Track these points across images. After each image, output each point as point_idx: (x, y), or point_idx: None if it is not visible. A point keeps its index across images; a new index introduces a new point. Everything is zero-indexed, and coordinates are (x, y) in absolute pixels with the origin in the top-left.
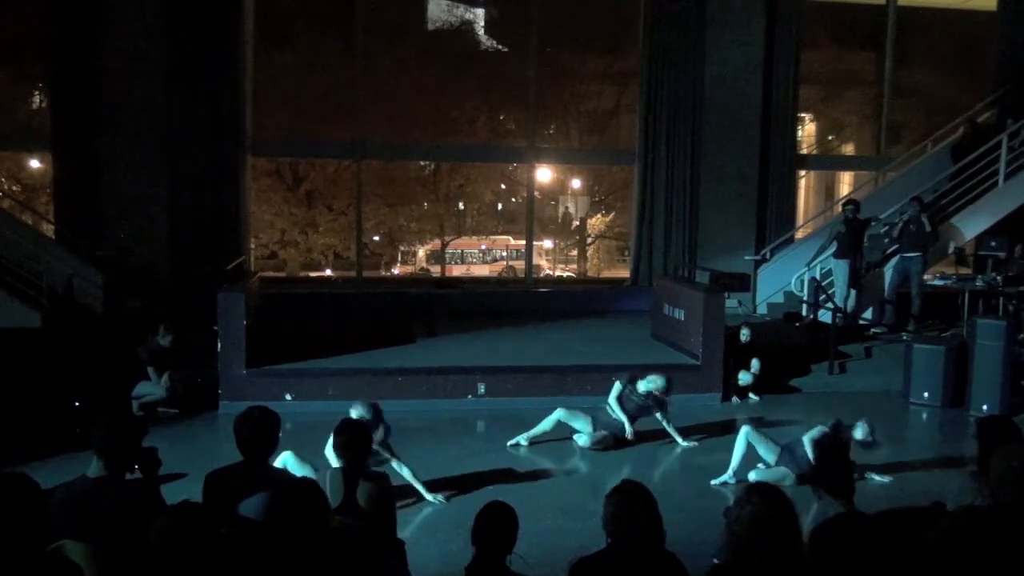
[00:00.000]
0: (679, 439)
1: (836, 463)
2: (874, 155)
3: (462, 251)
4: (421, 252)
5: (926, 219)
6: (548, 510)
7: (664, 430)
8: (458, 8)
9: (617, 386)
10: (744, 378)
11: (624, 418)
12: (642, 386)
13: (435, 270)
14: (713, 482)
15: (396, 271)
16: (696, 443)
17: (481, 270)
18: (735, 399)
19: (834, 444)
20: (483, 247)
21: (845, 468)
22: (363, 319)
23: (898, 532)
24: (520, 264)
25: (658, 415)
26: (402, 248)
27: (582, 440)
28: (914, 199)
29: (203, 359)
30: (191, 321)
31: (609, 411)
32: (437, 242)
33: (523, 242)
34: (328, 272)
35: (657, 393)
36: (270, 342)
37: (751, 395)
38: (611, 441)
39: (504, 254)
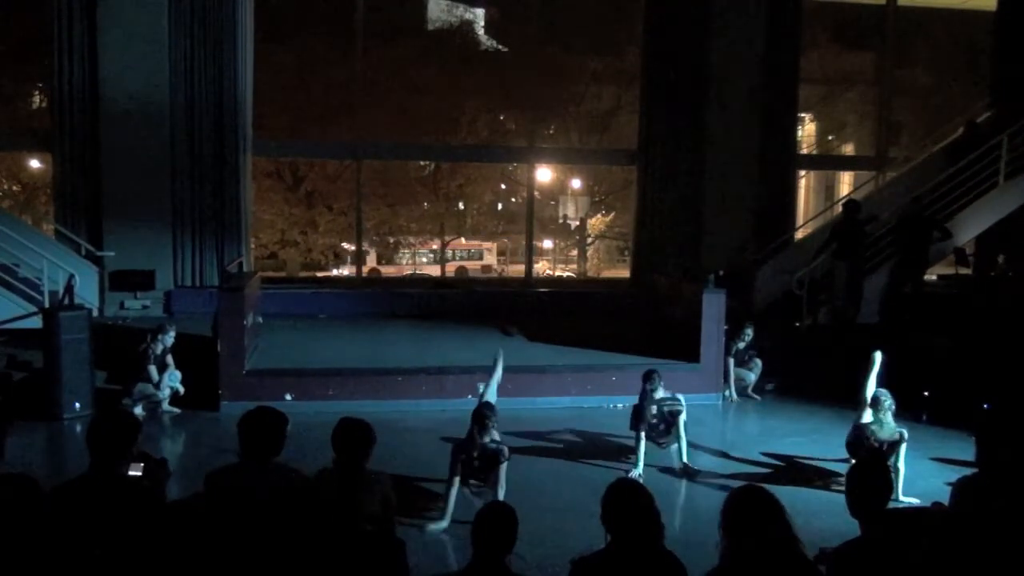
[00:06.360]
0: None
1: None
2: (874, 155)
3: (414, 252)
4: (372, 253)
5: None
6: (548, 510)
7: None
8: (458, 8)
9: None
10: (746, 378)
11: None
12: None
13: (385, 270)
14: None
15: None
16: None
17: (433, 270)
18: (736, 399)
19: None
20: (435, 247)
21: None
22: (363, 319)
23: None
24: (471, 264)
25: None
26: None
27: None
28: (914, 199)
29: (203, 359)
30: (191, 321)
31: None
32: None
33: (475, 242)
34: (335, 272)
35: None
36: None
37: (752, 395)
38: None
39: (464, 255)
